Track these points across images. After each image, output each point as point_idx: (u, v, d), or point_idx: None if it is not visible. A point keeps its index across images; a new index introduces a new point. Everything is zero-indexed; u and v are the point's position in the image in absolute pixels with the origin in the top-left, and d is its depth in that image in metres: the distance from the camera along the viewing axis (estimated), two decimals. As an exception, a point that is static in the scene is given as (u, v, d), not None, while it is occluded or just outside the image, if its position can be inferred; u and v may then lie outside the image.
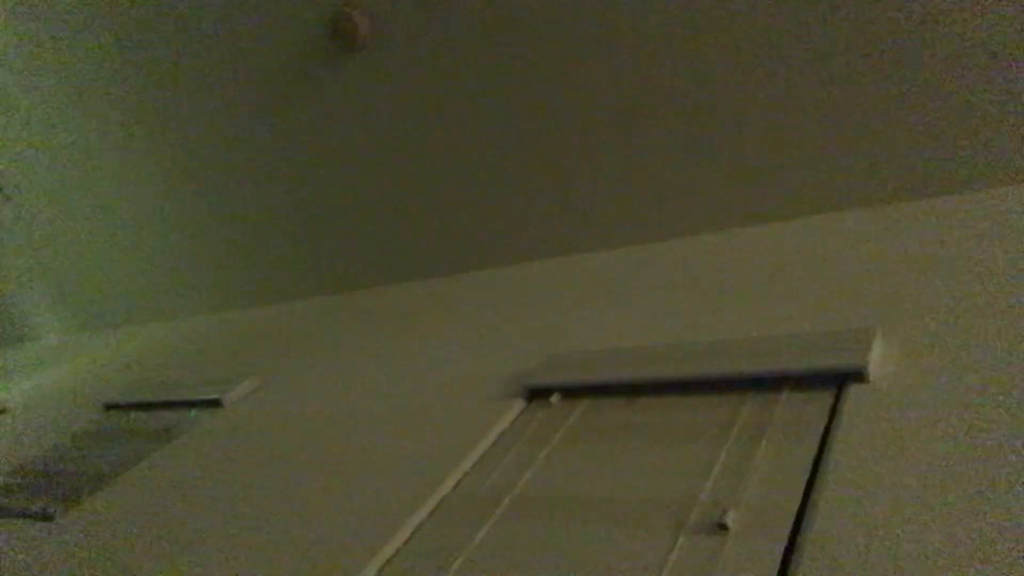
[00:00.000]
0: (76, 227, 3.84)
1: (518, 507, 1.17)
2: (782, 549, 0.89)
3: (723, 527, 0.95)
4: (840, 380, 1.15)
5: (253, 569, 1.30)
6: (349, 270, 2.85)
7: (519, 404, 1.49)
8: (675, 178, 1.94)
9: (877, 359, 1.16)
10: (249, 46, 2.60)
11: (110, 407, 2.61)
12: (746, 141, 1.80)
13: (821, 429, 1.07)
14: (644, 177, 1.99)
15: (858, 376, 1.13)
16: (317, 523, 1.36)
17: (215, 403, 2.24)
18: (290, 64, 2.53)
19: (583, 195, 2.12)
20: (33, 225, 4.09)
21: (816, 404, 1.13)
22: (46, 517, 1.89)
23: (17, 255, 4.37)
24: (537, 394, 1.51)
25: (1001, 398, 0.98)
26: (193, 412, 2.27)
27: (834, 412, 1.10)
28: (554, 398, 1.46)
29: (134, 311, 3.89)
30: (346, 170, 2.61)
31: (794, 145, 1.74)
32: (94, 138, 3.41)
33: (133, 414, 2.48)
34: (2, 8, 3.35)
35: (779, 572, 0.86)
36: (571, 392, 1.46)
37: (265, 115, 2.72)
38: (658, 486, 1.09)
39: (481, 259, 2.46)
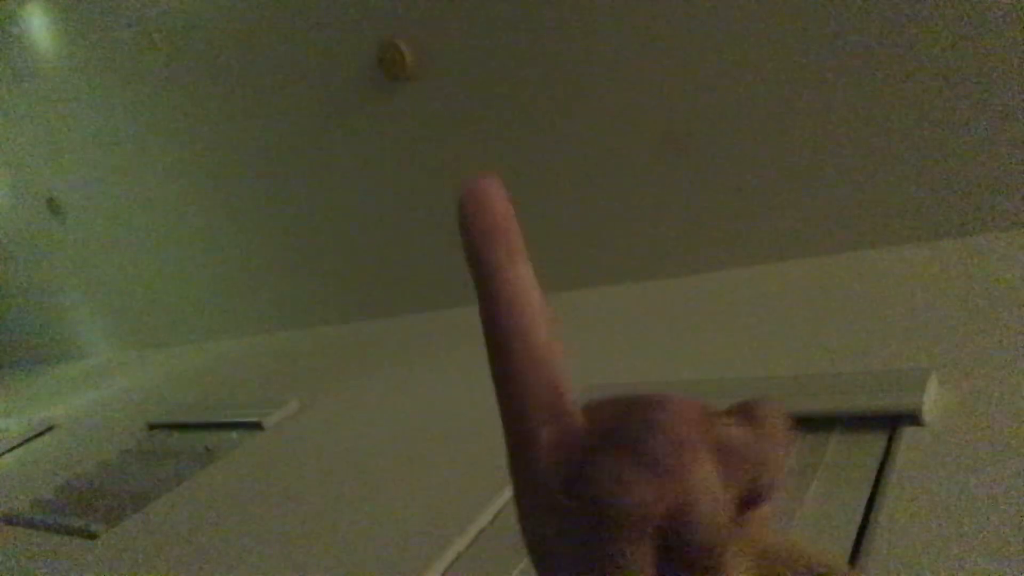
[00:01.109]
0: (127, 247, 3.94)
1: (558, 543, 1.15)
2: (833, 598, 0.85)
3: (771, 572, 0.92)
4: (894, 422, 1.12)
5: (290, 596, 1.29)
6: (392, 295, 2.87)
7: (559, 436, 1.47)
8: (716, 209, 1.92)
9: (932, 400, 1.12)
10: (298, 76, 2.66)
11: (154, 426, 2.65)
12: (793, 172, 1.77)
13: (874, 472, 1.04)
14: (686, 209, 1.97)
15: (913, 418, 1.09)
16: (354, 549, 1.35)
17: (256, 426, 2.26)
18: (337, 93, 2.58)
19: (625, 225, 2.11)
20: (85, 244, 4.21)
21: (869, 446, 1.09)
22: (89, 535, 1.92)
23: (68, 274, 4.50)
24: (578, 426, 1.48)
25: (1066, 446, 0.94)
26: (235, 434, 2.29)
27: (887, 455, 1.06)
28: (595, 431, 1.43)
29: (180, 331, 3.97)
30: (392, 196, 2.64)
31: (845, 178, 1.71)
32: (148, 164, 3.50)
33: (176, 434, 2.51)
34: (65, 32, 3.48)
35: (830, 622, 0.83)
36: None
37: (312, 142, 2.76)
38: (702, 526, 1.06)
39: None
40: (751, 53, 1.73)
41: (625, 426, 0.23)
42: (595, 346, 1.84)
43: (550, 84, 2.08)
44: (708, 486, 0.21)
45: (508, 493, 1.34)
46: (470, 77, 2.24)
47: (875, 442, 1.09)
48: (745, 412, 0.24)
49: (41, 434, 3.21)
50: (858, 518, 0.96)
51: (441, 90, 2.31)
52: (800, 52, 1.67)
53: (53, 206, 4.20)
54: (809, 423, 1.20)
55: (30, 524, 2.16)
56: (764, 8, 1.67)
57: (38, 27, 3.57)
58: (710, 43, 1.78)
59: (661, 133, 1.94)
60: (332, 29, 2.48)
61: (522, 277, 0.25)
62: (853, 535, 0.94)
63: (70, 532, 1.99)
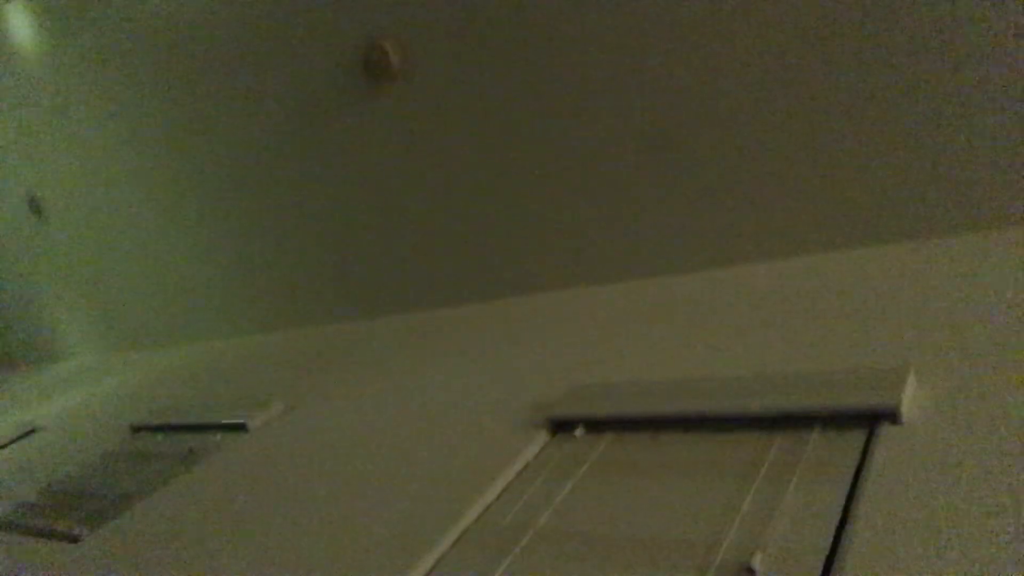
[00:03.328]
0: (109, 248, 3.92)
1: (540, 542, 1.16)
2: (811, 595, 0.86)
3: (750, 571, 0.93)
4: (872, 420, 1.13)
5: (273, 598, 1.29)
6: (376, 296, 2.86)
7: (543, 436, 1.48)
8: (698, 209, 1.93)
9: (910, 399, 1.13)
10: (285, 77, 2.65)
11: (137, 428, 2.64)
12: (778, 174, 1.79)
13: (852, 470, 1.05)
14: (672, 208, 1.98)
15: (891, 416, 1.11)
16: (338, 551, 1.35)
17: (240, 427, 2.25)
18: (324, 94, 2.57)
19: (612, 225, 2.12)
20: (67, 245, 4.18)
21: (847, 444, 1.10)
22: (72, 538, 1.91)
23: (50, 274, 4.46)
24: (561, 426, 1.49)
25: (1040, 443, 0.96)
26: (218, 436, 2.28)
27: (866, 453, 1.07)
28: (578, 431, 1.44)
29: (163, 333, 3.94)
30: (376, 198, 2.64)
31: (827, 179, 1.73)
32: (132, 164, 3.48)
33: (160, 436, 2.50)
34: (47, 30, 3.46)
35: (808, 619, 0.84)
36: (595, 425, 1.44)
37: (298, 144, 2.76)
38: (683, 525, 1.07)
39: (509, 287, 2.46)
40: (737, 50, 1.74)
41: None
42: (580, 346, 1.85)
43: (536, 85, 2.09)
44: None
45: (492, 493, 1.34)
46: (456, 78, 2.24)
47: (854, 440, 1.11)
48: None
49: (23, 436, 3.18)
50: (836, 515, 0.97)
51: (427, 91, 2.31)
52: (784, 51, 1.68)
53: (34, 206, 4.17)
54: (788, 421, 1.21)
55: (12, 527, 2.14)
56: (752, 4, 1.69)
57: (19, 25, 3.54)
58: (697, 40, 1.79)
59: (647, 133, 1.95)
60: (318, 30, 2.47)
61: None
62: (831, 532, 0.95)
63: (53, 535, 1.97)
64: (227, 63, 2.80)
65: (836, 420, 1.16)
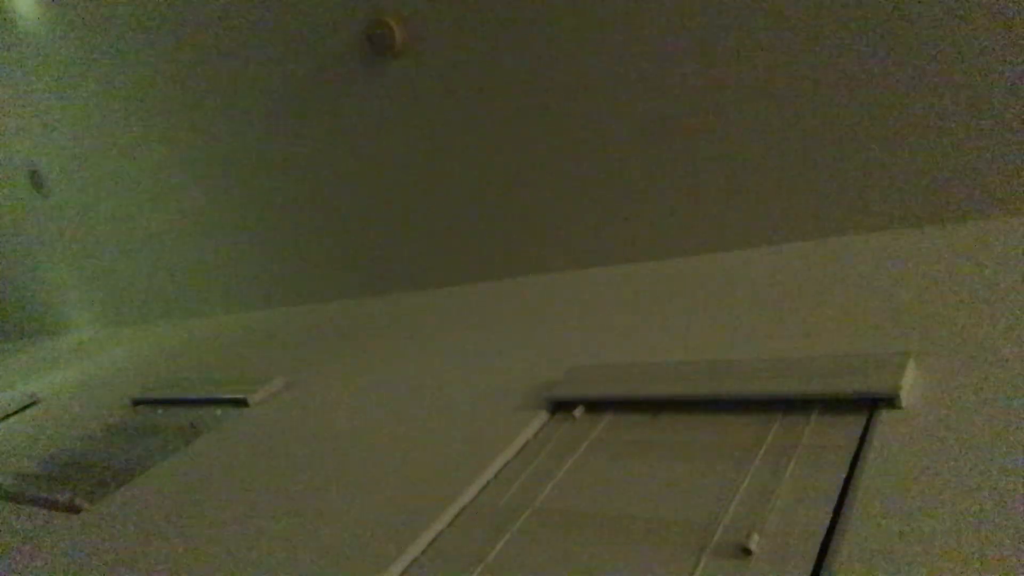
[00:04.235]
0: (112, 223, 3.91)
1: (538, 521, 1.17)
2: (807, 576, 0.87)
3: (746, 551, 0.93)
4: (871, 405, 1.13)
5: (271, 569, 1.30)
6: (379, 274, 2.86)
7: (542, 416, 1.48)
8: (705, 193, 1.93)
9: (910, 384, 1.13)
10: (287, 51, 2.63)
11: (138, 402, 2.65)
12: (777, 158, 1.78)
13: (850, 454, 1.05)
14: (674, 191, 1.98)
15: (890, 401, 1.11)
16: (336, 527, 1.36)
17: (241, 402, 2.26)
18: (327, 70, 2.56)
19: (613, 207, 2.11)
20: (69, 218, 4.17)
21: (846, 428, 1.11)
22: (73, 509, 1.92)
23: (54, 248, 4.46)
24: (560, 406, 1.50)
25: (1039, 430, 0.96)
26: (219, 411, 2.29)
27: (864, 437, 1.07)
28: (577, 411, 1.45)
29: (166, 308, 3.95)
30: (381, 175, 2.63)
31: (826, 164, 1.72)
32: (134, 137, 3.47)
33: (160, 410, 2.51)
34: (51, 5, 3.43)
35: (803, 600, 0.84)
36: (595, 406, 1.45)
37: (302, 119, 2.74)
38: (681, 506, 1.08)
39: (511, 268, 2.45)
40: (740, 35, 1.73)
41: None
42: (577, 328, 1.85)
43: (542, 64, 2.07)
44: None
45: (490, 472, 1.35)
46: (458, 56, 2.22)
47: (852, 425, 1.11)
48: None
49: (25, 408, 3.20)
50: (834, 500, 0.98)
51: (429, 69, 2.30)
52: (788, 33, 1.67)
53: (36, 179, 4.16)
54: (787, 405, 1.22)
55: (13, 498, 2.16)
56: (754, -10, 1.67)
57: (21, -4, 3.51)
58: (696, 24, 1.77)
59: (647, 117, 1.94)
60: (323, 4, 2.45)
61: None
62: (829, 517, 0.95)
63: (54, 506, 1.99)
64: (231, 36, 2.78)
65: (835, 404, 1.17)
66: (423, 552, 1.20)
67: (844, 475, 1.01)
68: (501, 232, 2.41)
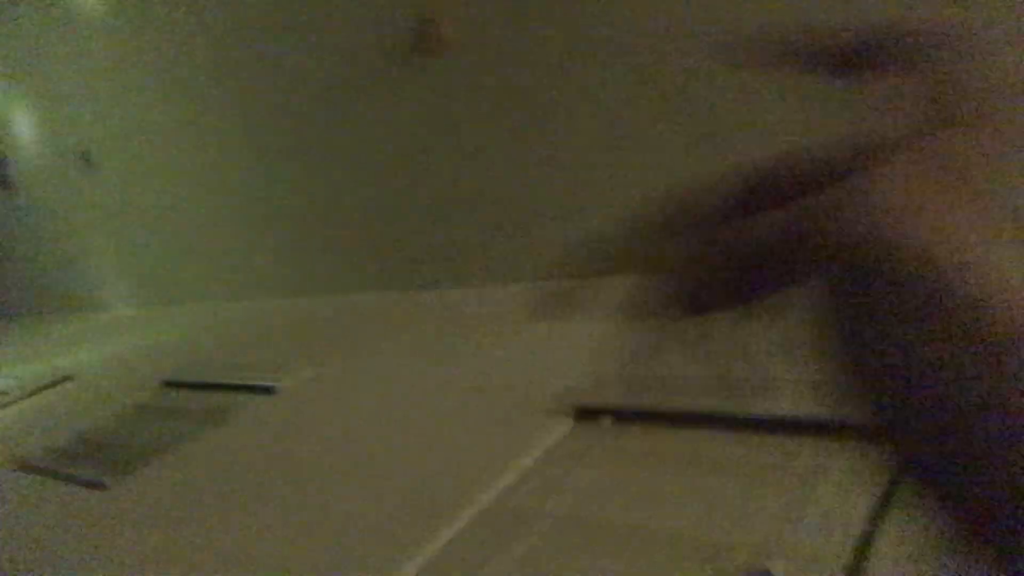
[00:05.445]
0: (156, 203, 3.97)
1: (555, 528, 1.15)
2: (831, 606, 0.84)
3: (768, 575, 0.91)
4: (907, 433, 1.09)
5: (287, 558, 1.30)
6: (413, 269, 2.87)
7: (567, 423, 1.47)
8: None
9: (949, 414, 1.09)
10: (336, 44, 2.65)
11: (168, 384, 2.68)
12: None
13: (884, 482, 1.02)
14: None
15: (927, 430, 1.07)
16: (355, 520, 1.35)
17: (268, 390, 2.28)
18: (373, 65, 2.57)
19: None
20: (115, 198, 4.25)
21: (881, 456, 1.07)
22: (98, 485, 1.95)
23: (97, 226, 4.55)
24: (586, 414, 1.48)
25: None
26: (247, 397, 2.31)
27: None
28: (605, 420, 1.43)
29: (202, 289, 4.00)
30: (421, 171, 2.64)
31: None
32: (183, 120, 3.52)
33: (189, 393, 2.54)
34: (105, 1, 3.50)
35: (826, 630, 0.82)
36: (621, 416, 1.43)
37: (346, 112, 2.76)
38: (705, 524, 1.05)
39: (549, 269, 2.44)
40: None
41: None
42: (615, 335, 1.83)
43: (585, 62, 2.06)
44: None
45: (510, 476, 1.34)
46: (502, 55, 2.21)
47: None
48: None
49: (58, 383, 3.26)
50: (863, 526, 0.95)
51: (471, 67, 2.29)
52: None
53: (86, 158, 4.24)
54: (822, 427, 1.18)
55: (42, 471, 2.20)
56: None
57: (78, -20, 3.59)
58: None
59: (683, 129, 1.91)
60: (366, 5, 2.47)
61: None
62: (856, 543, 0.92)
63: (80, 481, 2.02)
64: (278, 32, 2.81)
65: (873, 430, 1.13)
66: (440, 551, 1.19)
67: (875, 503, 0.98)
68: (543, 231, 2.39)
